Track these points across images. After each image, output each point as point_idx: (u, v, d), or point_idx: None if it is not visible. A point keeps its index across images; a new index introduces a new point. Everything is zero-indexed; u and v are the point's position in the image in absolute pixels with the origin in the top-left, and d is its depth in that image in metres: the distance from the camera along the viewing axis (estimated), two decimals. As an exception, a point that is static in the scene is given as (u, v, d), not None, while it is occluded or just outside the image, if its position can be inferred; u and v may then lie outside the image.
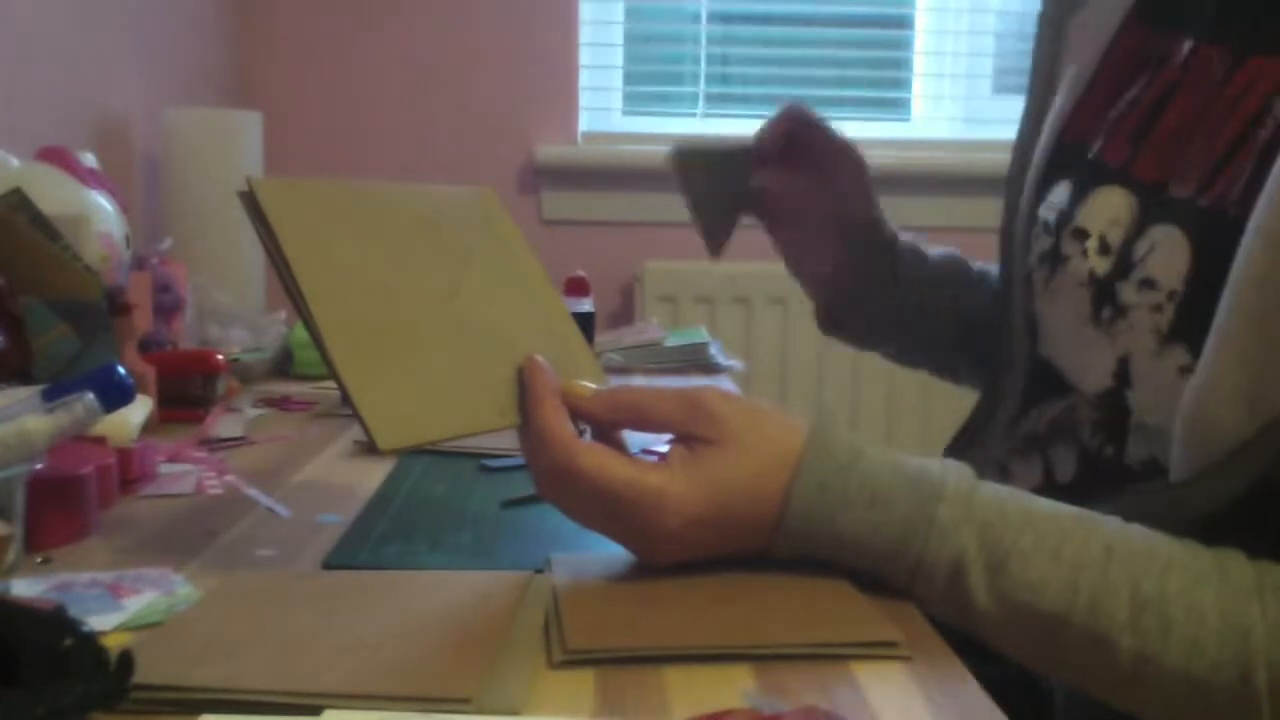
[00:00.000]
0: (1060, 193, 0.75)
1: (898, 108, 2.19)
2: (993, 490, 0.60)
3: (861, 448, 0.61)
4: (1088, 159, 0.73)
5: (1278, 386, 0.54)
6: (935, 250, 0.94)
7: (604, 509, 0.60)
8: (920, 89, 2.19)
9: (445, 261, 0.71)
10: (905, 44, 2.20)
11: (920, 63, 2.19)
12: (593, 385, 0.65)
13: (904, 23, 2.18)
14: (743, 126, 2.08)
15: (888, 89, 2.20)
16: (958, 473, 0.60)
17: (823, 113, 0.87)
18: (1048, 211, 0.75)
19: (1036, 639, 0.57)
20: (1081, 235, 0.70)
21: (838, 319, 0.96)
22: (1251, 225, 0.56)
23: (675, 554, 0.61)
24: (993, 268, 0.93)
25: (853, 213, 0.90)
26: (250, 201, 0.64)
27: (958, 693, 0.51)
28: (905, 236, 0.93)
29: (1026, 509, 0.59)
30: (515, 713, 0.47)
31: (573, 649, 0.52)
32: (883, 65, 2.20)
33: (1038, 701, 0.68)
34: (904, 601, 0.61)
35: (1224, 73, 0.64)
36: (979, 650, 0.57)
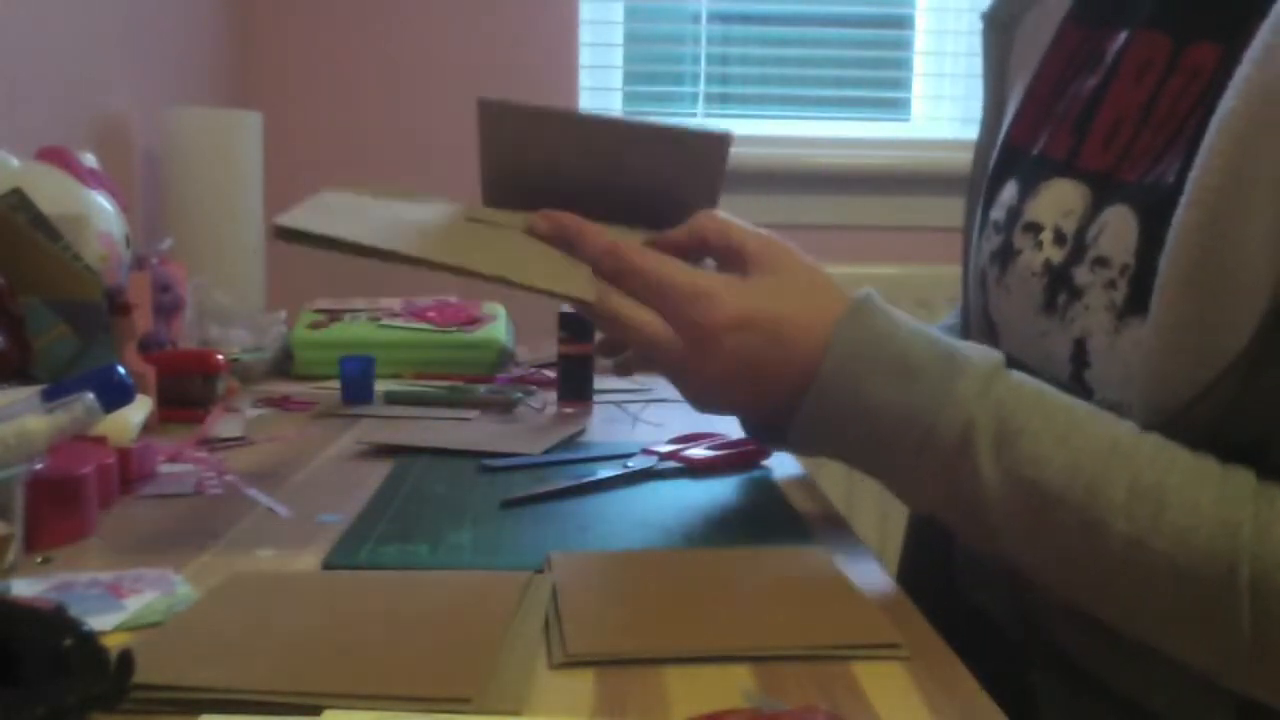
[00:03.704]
0: (1008, 192, 0.75)
1: (898, 108, 2.19)
2: (1016, 375, 0.63)
3: (901, 320, 0.66)
4: (1032, 156, 0.74)
5: (1220, 339, 0.55)
6: None
7: (664, 307, 0.66)
8: (920, 89, 2.19)
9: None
10: (905, 44, 2.19)
11: (920, 63, 2.19)
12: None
13: (904, 23, 2.18)
14: (743, 126, 2.09)
15: (888, 89, 2.20)
16: (984, 354, 0.64)
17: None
18: (997, 212, 0.76)
19: (1033, 516, 0.60)
20: (1034, 229, 0.71)
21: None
22: (1186, 188, 0.57)
23: (721, 363, 0.66)
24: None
25: None
26: (291, 233, 0.66)
27: (958, 693, 0.51)
28: None
29: (1043, 395, 0.62)
30: (515, 713, 0.47)
31: (573, 653, 0.52)
32: (883, 65, 2.20)
33: (1026, 703, 0.68)
34: (904, 602, 0.61)
35: (1168, 60, 0.65)
36: (978, 650, 0.57)
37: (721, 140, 0.74)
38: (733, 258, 0.69)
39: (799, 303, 0.66)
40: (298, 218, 0.67)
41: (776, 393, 0.66)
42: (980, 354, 0.64)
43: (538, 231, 0.71)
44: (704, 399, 0.70)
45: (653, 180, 0.74)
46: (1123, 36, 0.69)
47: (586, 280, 0.68)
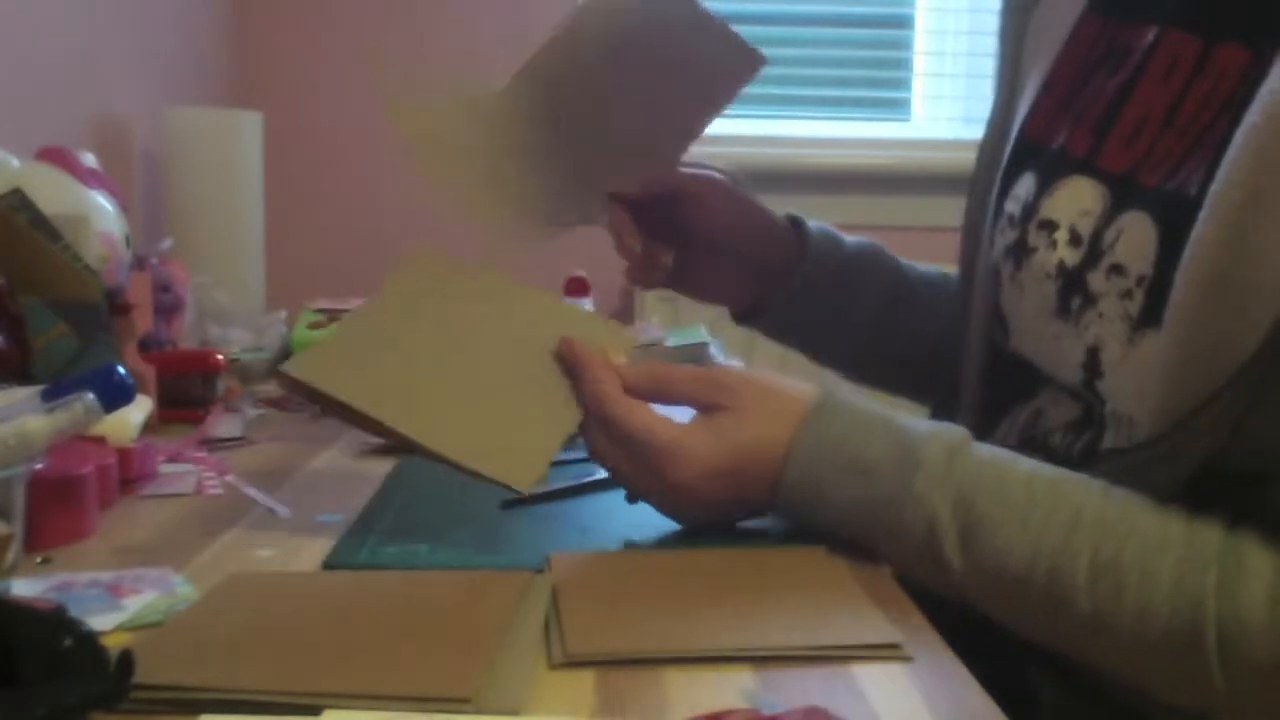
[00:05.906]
0: (1024, 185, 0.74)
1: (898, 108, 2.19)
2: (976, 456, 0.64)
3: (859, 416, 0.67)
4: (1051, 151, 0.73)
5: (1232, 352, 0.55)
6: (851, 239, 0.94)
7: (632, 456, 0.68)
8: (920, 89, 2.19)
9: (453, 330, 0.76)
10: (905, 44, 2.20)
11: (920, 63, 2.19)
12: (624, 358, 0.73)
13: (904, 23, 2.18)
14: (743, 127, 2.09)
15: (888, 89, 2.20)
16: (943, 441, 0.64)
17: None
18: (1012, 204, 0.75)
19: (1005, 599, 0.62)
20: (1049, 227, 0.70)
21: (743, 316, 1.00)
22: (1206, 201, 0.57)
23: (694, 505, 0.69)
24: (920, 265, 0.94)
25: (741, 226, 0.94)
26: (293, 382, 0.72)
27: (958, 693, 0.51)
28: (815, 225, 0.94)
29: (1004, 475, 0.63)
30: (515, 713, 0.47)
31: (573, 653, 0.52)
32: (883, 65, 2.20)
33: (1026, 703, 0.68)
34: (904, 601, 0.61)
35: (1195, 63, 0.64)
36: (978, 650, 0.57)
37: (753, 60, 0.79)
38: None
39: (759, 425, 0.68)
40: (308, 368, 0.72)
41: (755, 501, 0.69)
42: (939, 440, 0.64)
43: (559, 352, 0.74)
44: (682, 521, 0.72)
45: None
46: (1152, 34, 0.68)
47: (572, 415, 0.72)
